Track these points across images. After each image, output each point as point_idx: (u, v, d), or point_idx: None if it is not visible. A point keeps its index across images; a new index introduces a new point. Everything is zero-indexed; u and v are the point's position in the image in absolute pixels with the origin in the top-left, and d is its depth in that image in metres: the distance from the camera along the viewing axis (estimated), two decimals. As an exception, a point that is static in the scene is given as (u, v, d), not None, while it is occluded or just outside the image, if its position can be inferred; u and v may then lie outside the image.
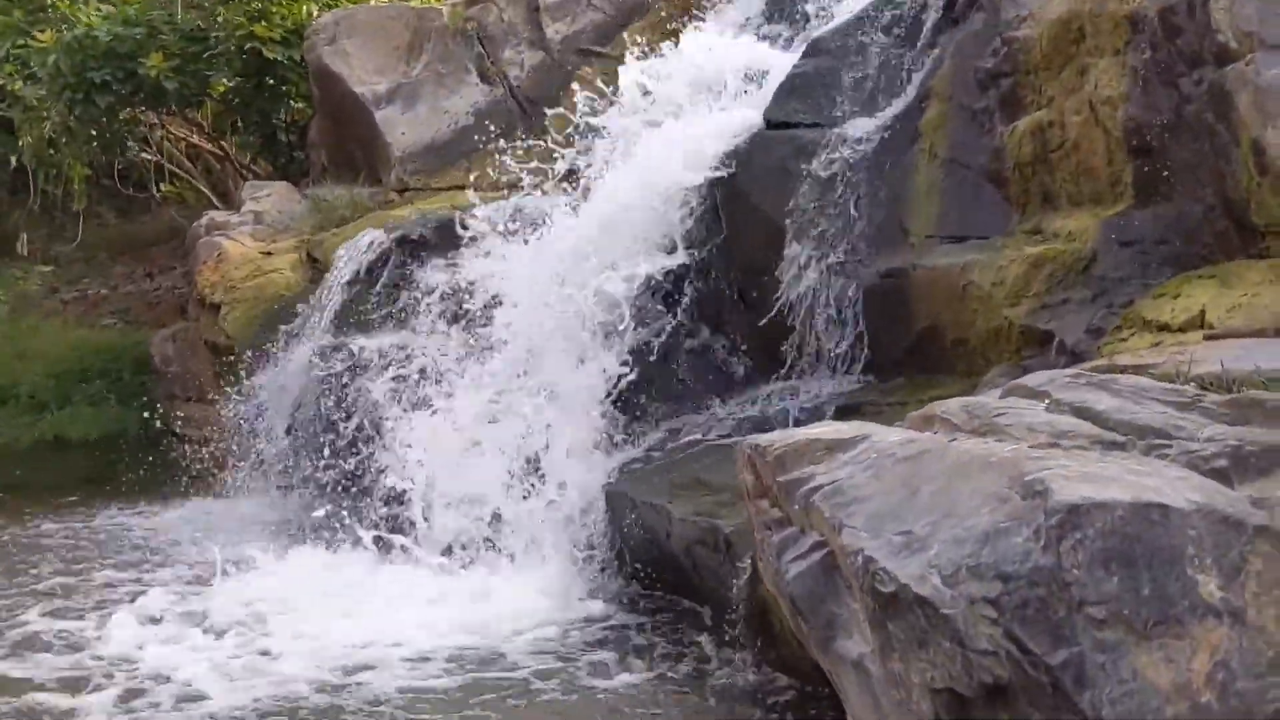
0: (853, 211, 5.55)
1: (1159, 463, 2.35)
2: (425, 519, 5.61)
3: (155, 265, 13.36)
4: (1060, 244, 4.90)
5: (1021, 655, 2.04)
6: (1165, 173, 4.64)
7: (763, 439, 3.15)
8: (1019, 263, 4.90)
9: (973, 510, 2.24)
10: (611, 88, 6.75)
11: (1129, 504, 2.07)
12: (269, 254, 8.25)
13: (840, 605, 2.57)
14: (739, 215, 5.97)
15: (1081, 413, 2.81)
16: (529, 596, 5.05)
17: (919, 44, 5.99)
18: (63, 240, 13.58)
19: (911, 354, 5.32)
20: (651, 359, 5.88)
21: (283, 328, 7.24)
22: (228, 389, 7.44)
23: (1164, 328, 4.11)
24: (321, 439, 6.37)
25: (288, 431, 6.72)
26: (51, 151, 10.90)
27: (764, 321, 5.68)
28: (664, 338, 5.97)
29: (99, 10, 10.06)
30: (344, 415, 6.33)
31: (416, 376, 6.27)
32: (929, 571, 2.17)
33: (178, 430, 9.25)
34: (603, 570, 5.27)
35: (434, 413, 6.04)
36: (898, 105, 5.80)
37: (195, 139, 11.80)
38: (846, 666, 2.51)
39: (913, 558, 2.22)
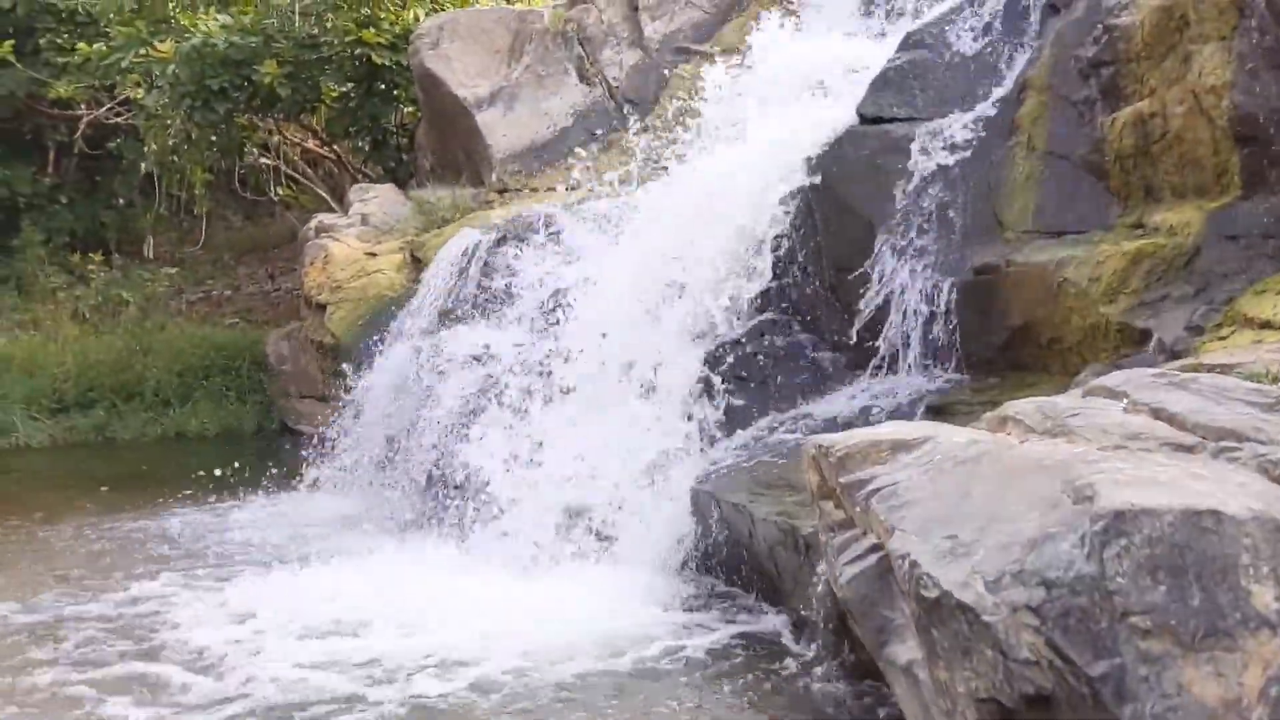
0: (946, 206, 5.43)
1: (1225, 467, 2.23)
2: (513, 515, 5.65)
3: (276, 266, 13.79)
4: (1161, 238, 4.72)
5: (1063, 665, 1.95)
6: (1274, 162, 4.43)
7: (827, 439, 3.09)
8: (1116, 258, 4.74)
9: (1020, 515, 2.16)
10: (703, 85, 6.72)
11: (1179, 510, 1.96)
12: (373, 255, 8.42)
13: (893, 610, 2.51)
14: (830, 210, 5.88)
15: (1158, 414, 2.70)
16: (614, 595, 5.03)
17: (1017, 35, 5.84)
18: (189, 243, 14.10)
19: (1006, 352, 5.18)
20: (743, 356, 5.84)
21: (383, 327, 7.38)
22: (333, 386, 7.62)
23: (1265, 325, 3.93)
24: (416, 435, 6.47)
25: (385, 428, 6.84)
26: (174, 157, 11.28)
27: (855, 318, 5.59)
28: (755, 335, 5.92)
29: (217, 20, 10.37)
30: (438, 412, 6.42)
31: (509, 373, 6.32)
32: (972, 578, 2.10)
33: (290, 426, 9.54)
34: (691, 570, 5.24)
35: (526, 409, 6.09)
36: (994, 97, 5.66)
37: (310, 144, 12.10)
38: (897, 672, 2.44)
39: (957, 563, 2.14)
